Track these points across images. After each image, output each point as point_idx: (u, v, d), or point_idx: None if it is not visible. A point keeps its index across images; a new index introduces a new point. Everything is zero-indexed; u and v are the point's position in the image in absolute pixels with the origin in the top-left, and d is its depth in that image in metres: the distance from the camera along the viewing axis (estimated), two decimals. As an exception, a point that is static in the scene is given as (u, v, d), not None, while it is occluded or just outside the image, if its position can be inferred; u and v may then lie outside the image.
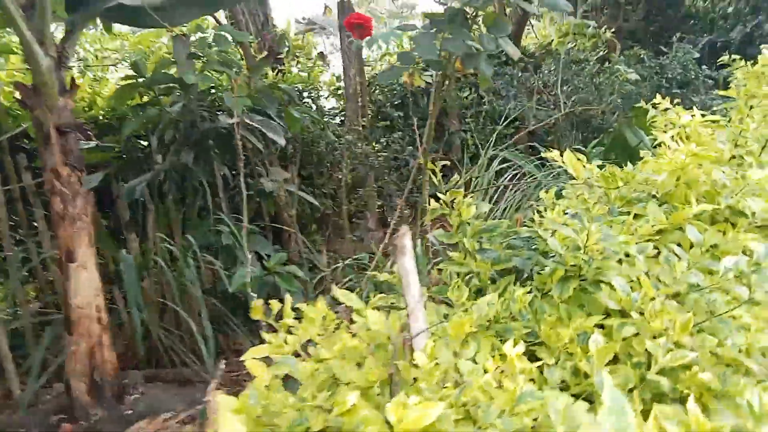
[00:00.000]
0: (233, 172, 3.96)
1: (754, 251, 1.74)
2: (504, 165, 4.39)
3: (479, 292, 1.71)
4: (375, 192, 4.99)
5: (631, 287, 1.47)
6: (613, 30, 8.52)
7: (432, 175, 2.10)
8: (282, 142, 3.16)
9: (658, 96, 2.74)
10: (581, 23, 7.81)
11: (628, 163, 2.69)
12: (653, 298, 1.37)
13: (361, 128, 5.40)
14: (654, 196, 2.27)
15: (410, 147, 5.38)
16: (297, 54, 6.27)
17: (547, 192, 2.05)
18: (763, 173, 1.97)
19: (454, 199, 2.08)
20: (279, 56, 5.43)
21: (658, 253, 1.95)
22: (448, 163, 2.10)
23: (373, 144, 5.51)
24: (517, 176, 4.06)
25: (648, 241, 2.11)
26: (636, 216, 2.17)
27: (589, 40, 8.13)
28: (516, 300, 1.37)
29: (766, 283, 1.50)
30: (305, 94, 5.35)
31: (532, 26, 9.32)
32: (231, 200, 3.73)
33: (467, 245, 1.92)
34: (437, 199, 2.06)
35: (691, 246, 1.78)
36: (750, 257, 1.85)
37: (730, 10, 11.73)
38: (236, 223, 3.38)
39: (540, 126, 5.10)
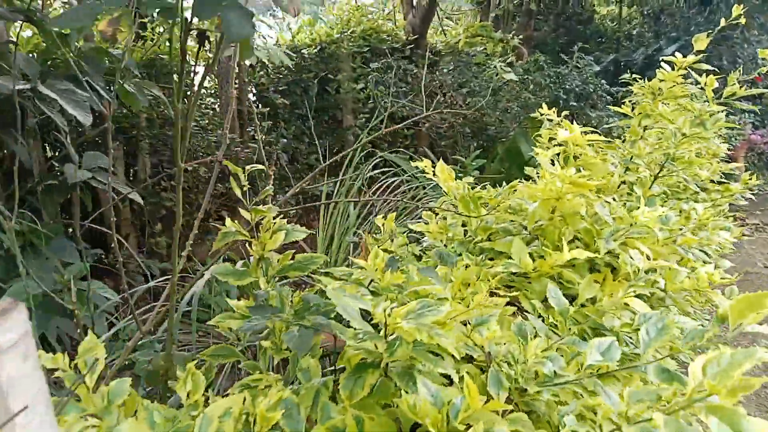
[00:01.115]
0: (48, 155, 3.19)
1: (636, 318, 1.32)
2: (387, 169, 3.88)
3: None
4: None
5: (459, 376, 0.98)
6: (521, 38, 8.33)
7: (236, 182, 1.53)
8: (85, 120, 2.45)
9: (544, 105, 2.32)
10: (488, 26, 7.51)
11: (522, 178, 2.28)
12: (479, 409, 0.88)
13: (234, 115, 4.73)
14: (526, 228, 1.83)
15: (284, 140, 4.77)
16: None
17: (386, 217, 1.53)
18: (652, 212, 1.56)
19: (263, 219, 1.52)
20: (142, 18, 4.63)
21: (517, 310, 1.49)
22: (263, 167, 1.52)
23: (244, 134, 4.85)
24: (396, 183, 3.59)
25: (509, 287, 1.66)
26: (499, 254, 1.71)
27: (497, 45, 7.88)
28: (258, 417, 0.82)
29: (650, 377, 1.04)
30: (172, 67, 4.59)
31: (441, 26, 8.96)
32: (32, 192, 2.96)
33: (263, 287, 1.36)
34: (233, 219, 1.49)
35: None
36: (632, 325, 1.43)
37: (634, 32, 12.04)
38: (30, 223, 2.63)
39: (427, 128, 4.67)
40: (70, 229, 3.22)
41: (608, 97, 5.28)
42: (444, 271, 1.27)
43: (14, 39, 2.92)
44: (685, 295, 1.84)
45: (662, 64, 2.15)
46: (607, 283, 1.60)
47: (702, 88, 1.99)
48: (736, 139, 8.85)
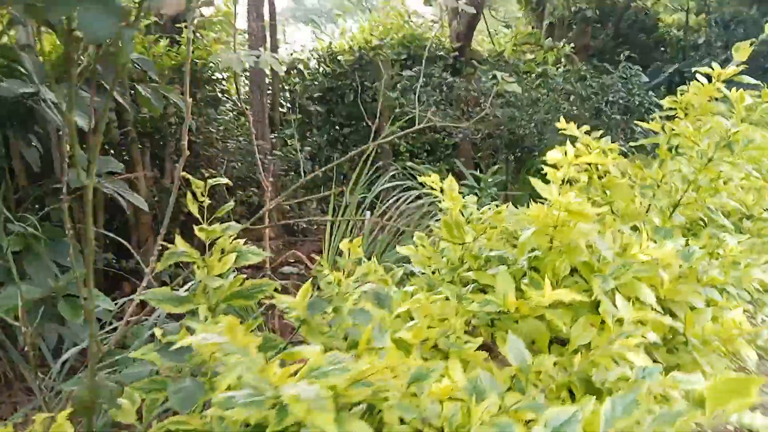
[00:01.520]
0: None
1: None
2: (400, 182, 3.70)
3: None
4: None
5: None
6: (572, 46, 7.96)
7: (192, 197, 1.41)
8: (81, 123, 2.41)
9: (563, 120, 2.11)
10: (536, 33, 7.22)
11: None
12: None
13: (267, 121, 4.68)
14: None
15: (308, 148, 4.68)
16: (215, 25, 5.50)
17: (349, 240, 1.37)
18: (661, 250, 1.33)
19: (217, 238, 1.39)
20: (177, 24, 4.67)
21: (489, 356, 1.30)
22: (216, 181, 1.40)
23: (277, 142, 4.79)
24: (415, 196, 3.41)
25: (492, 325, 1.47)
26: (484, 289, 1.53)
27: (547, 53, 7.56)
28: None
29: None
30: (205, 74, 4.60)
31: (490, 33, 8.70)
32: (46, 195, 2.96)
33: (202, 316, 1.23)
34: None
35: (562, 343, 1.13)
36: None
37: (701, 41, 11.38)
38: (28, 226, 2.62)
39: (461, 139, 4.47)
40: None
41: (657, 110, 4.90)
42: (382, 316, 1.10)
43: (33, 42, 2.94)
44: (714, 341, 1.59)
45: (697, 76, 1.91)
46: (606, 326, 1.38)
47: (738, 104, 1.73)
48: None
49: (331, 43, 5.94)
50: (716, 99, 1.81)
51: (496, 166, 4.32)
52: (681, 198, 1.69)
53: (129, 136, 3.49)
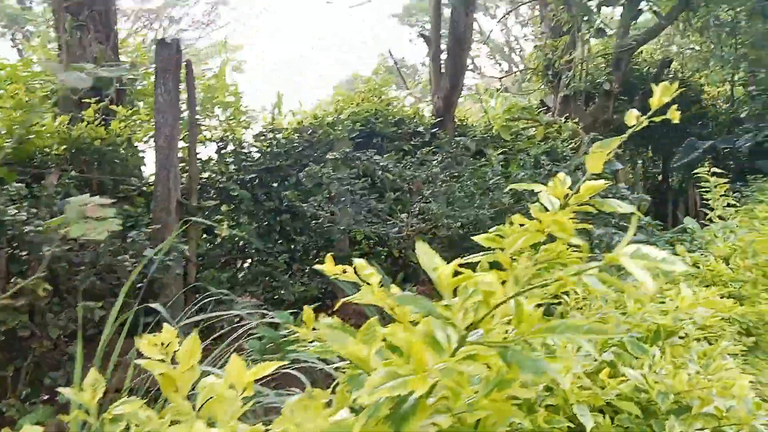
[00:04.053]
0: None
1: None
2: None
3: None
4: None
5: None
6: (576, 120, 7.10)
7: None
8: None
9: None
10: (530, 108, 6.44)
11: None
12: None
13: (174, 209, 4.04)
14: None
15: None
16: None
17: None
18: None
19: None
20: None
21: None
22: None
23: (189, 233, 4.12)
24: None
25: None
26: None
27: (547, 129, 6.71)
28: None
29: None
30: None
31: (483, 106, 7.98)
32: None
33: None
34: None
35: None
36: None
37: (743, 115, 10.26)
38: None
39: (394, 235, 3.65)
40: None
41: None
42: None
43: None
44: None
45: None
46: None
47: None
48: None
49: (274, 117, 5.36)
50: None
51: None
52: None
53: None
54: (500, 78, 10.34)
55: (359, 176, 5.00)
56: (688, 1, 7.80)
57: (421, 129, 6.19)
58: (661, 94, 1.07)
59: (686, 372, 1.65)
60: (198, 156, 4.48)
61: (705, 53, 11.04)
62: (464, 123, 6.97)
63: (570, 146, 6.83)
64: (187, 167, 4.33)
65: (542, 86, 9.39)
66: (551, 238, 1.40)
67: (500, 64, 18.82)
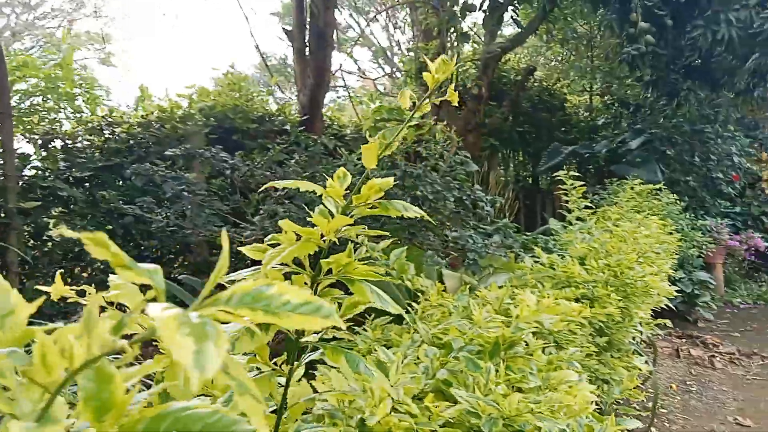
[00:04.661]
0: None
1: None
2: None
3: None
4: None
5: None
6: (446, 123, 7.21)
7: None
8: None
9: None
10: (399, 108, 6.42)
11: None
12: None
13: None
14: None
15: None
16: None
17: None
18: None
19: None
20: None
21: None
22: None
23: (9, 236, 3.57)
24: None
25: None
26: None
27: (418, 131, 6.78)
28: None
29: None
30: None
31: (354, 107, 7.91)
32: None
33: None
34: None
35: None
36: None
37: (600, 122, 11.04)
38: None
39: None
40: None
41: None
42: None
43: None
44: None
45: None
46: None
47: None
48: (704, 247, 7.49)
49: (112, 110, 4.89)
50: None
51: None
52: None
53: None
54: (374, 80, 10.35)
55: (213, 176, 4.67)
56: (546, 14, 8.21)
57: (287, 127, 5.95)
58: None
59: (526, 387, 1.53)
60: (17, 150, 3.92)
61: (566, 64, 11.77)
62: (334, 123, 6.82)
63: (440, 147, 6.90)
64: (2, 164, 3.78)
65: (415, 88, 9.48)
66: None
67: (383, 68, 19.00)
